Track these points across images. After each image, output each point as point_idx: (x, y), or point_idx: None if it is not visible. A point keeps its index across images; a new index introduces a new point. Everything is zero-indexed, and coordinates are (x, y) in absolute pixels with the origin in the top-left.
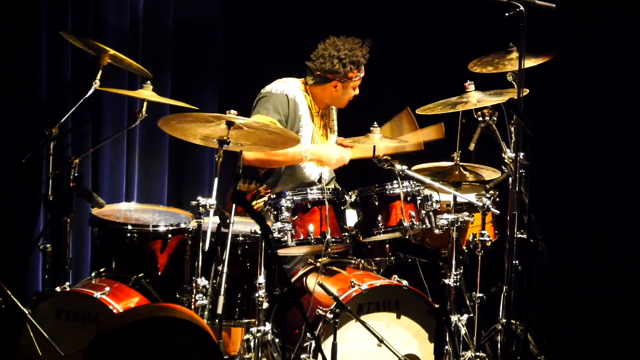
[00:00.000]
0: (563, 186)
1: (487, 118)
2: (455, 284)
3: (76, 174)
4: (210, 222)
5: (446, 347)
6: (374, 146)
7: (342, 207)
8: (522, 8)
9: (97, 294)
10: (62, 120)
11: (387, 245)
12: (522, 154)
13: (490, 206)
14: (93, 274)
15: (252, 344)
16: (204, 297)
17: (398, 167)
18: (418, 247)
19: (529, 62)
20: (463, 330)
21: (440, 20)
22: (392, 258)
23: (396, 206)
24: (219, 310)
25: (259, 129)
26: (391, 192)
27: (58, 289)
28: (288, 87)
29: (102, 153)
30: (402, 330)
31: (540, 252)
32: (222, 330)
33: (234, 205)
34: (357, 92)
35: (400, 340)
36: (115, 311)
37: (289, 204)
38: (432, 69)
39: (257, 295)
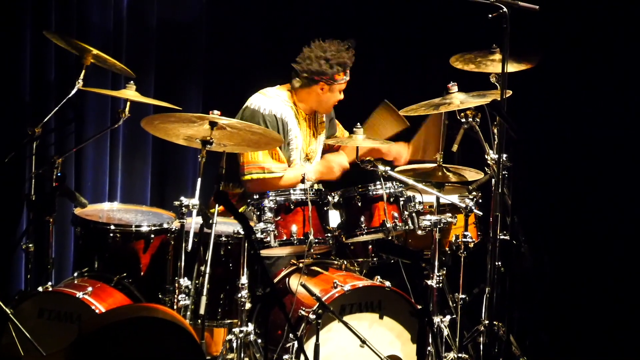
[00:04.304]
0: (546, 187)
1: (470, 119)
2: (437, 285)
3: (59, 174)
4: (193, 223)
5: (429, 348)
6: (357, 147)
7: (325, 208)
8: (505, 9)
9: (80, 294)
10: (45, 119)
11: (370, 246)
12: (505, 156)
13: (473, 207)
14: (75, 274)
15: (234, 344)
16: (187, 297)
17: (381, 168)
18: (401, 248)
19: (511, 68)
20: (445, 332)
21: (423, 22)
22: (375, 259)
23: (379, 207)
24: (202, 311)
25: (242, 129)
26: (374, 193)
27: (40, 288)
28: (274, 105)
29: (85, 153)
30: (384, 331)
31: (522, 253)
32: (205, 331)
33: (216, 205)
34: (341, 96)
35: (383, 341)
36: (97, 311)
37: (271, 204)
38: (415, 70)
39: (239, 295)
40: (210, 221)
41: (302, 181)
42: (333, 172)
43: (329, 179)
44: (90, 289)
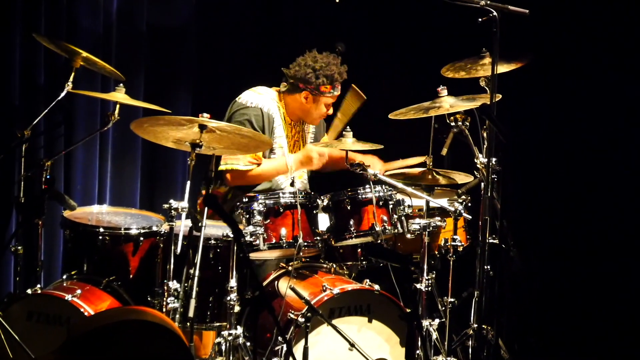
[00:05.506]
0: (535, 191)
1: (460, 123)
2: (426, 289)
3: (48, 177)
4: (182, 225)
5: (417, 351)
6: (347, 151)
7: (315, 211)
8: (495, 14)
9: (69, 297)
10: (35, 122)
11: (359, 250)
12: (494, 159)
13: (462, 211)
14: (64, 277)
15: (223, 347)
16: (176, 300)
17: (370, 171)
18: (390, 252)
19: (502, 68)
20: (434, 335)
21: (413, 25)
22: (364, 262)
23: (368, 210)
24: (191, 314)
25: (232, 133)
26: (363, 196)
27: (29, 291)
28: (262, 100)
29: (74, 155)
30: (373, 334)
31: (511, 257)
32: (194, 334)
33: (205, 208)
34: (330, 111)
35: (372, 344)
36: (86, 314)
37: (261, 207)
38: (404, 74)
39: (228, 298)
40: (200, 224)
41: (292, 184)
42: (312, 161)
43: (309, 168)
44: (79, 291)
